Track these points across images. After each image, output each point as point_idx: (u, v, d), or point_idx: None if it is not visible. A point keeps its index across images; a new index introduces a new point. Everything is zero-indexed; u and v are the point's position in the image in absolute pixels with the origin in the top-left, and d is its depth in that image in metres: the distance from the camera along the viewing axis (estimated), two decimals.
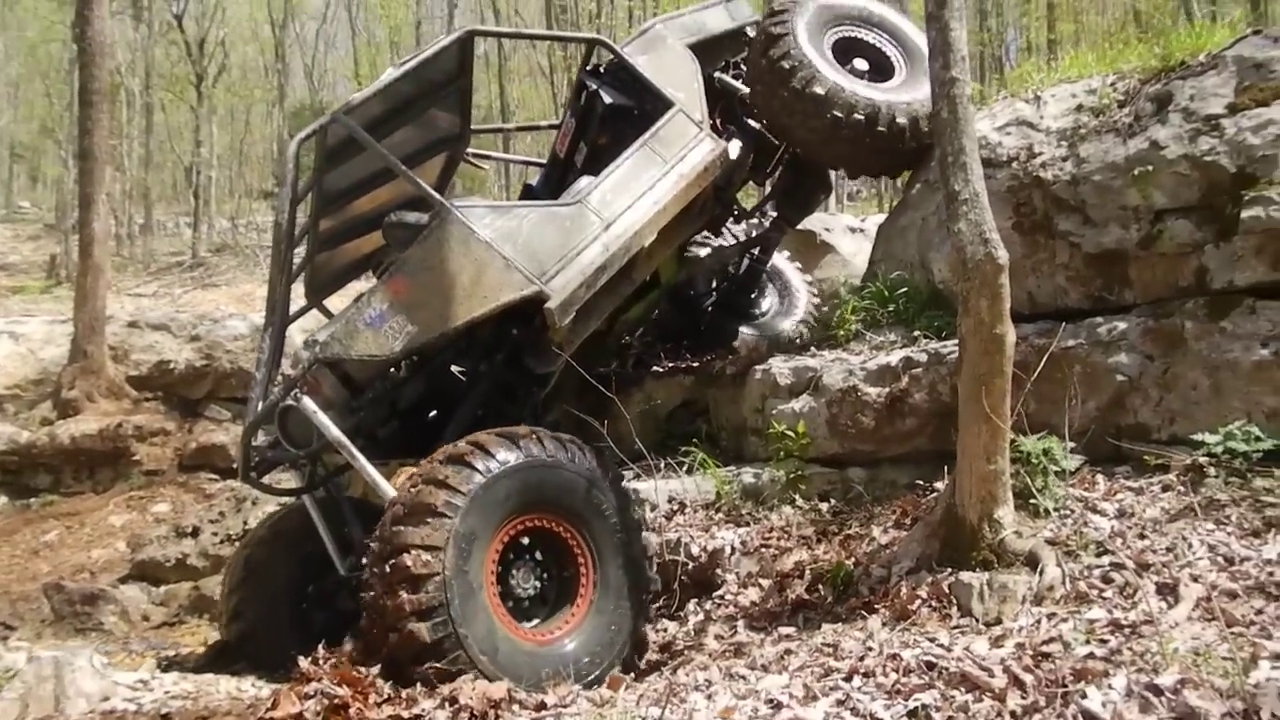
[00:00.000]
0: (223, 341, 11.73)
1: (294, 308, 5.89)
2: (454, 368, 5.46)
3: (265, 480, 5.34)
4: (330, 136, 5.10)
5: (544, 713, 3.27)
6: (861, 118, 5.52)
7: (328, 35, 34.40)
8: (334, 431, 4.48)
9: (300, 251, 5.80)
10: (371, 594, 3.84)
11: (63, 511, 10.16)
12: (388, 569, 3.75)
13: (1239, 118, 4.34)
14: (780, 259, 7.25)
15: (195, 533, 8.09)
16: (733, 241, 6.70)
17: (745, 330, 6.76)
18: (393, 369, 5.23)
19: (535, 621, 4.12)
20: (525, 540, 4.14)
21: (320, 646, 3.92)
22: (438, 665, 3.62)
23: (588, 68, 6.18)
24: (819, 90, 5.53)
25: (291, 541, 5.37)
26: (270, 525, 5.67)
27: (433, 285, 4.68)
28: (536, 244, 4.88)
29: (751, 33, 6.35)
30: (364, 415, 4.99)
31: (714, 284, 6.93)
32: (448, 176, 6.85)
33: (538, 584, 4.18)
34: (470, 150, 6.88)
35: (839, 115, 5.52)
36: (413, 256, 4.74)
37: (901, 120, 5.61)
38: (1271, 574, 3.10)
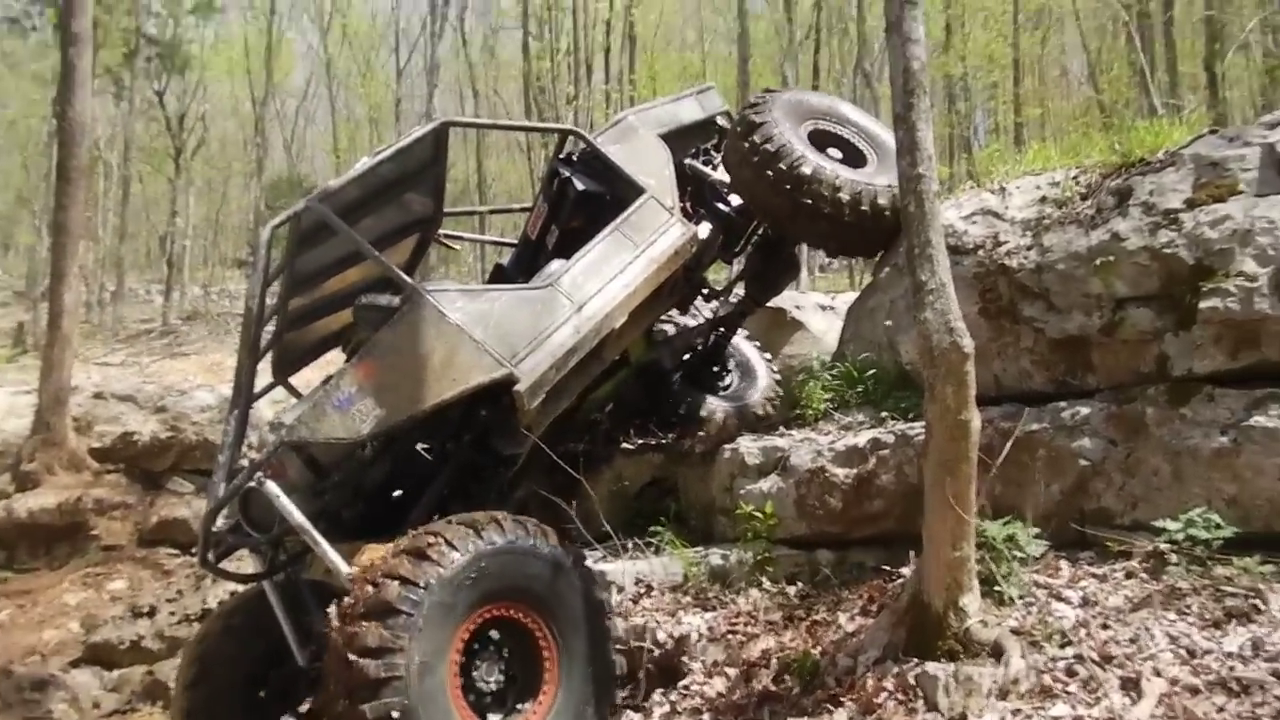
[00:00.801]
0: (189, 413, 11.60)
1: (261, 384, 5.87)
2: (419, 446, 5.42)
3: (225, 565, 5.23)
4: (304, 221, 5.12)
5: None
6: (846, 197, 5.70)
7: (307, 111, 34.91)
8: (297, 516, 4.38)
9: (270, 329, 5.78)
10: (330, 695, 3.72)
11: (15, 589, 9.88)
12: (347, 673, 3.63)
13: (1197, 212, 4.46)
14: (739, 338, 7.32)
15: (152, 613, 7.92)
16: (700, 320, 6.80)
17: (712, 400, 6.78)
18: (360, 450, 5.19)
19: (499, 717, 3.99)
20: (489, 632, 4.03)
21: None
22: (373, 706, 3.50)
23: (561, 155, 6.31)
24: (806, 170, 5.70)
25: (248, 631, 5.22)
26: (225, 615, 5.52)
27: (402, 368, 4.65)
28: (507, 327, 4.88)
29: (722, 122, 6.58)
30: (329, 498, 4.92)
31: (680, 361, 6.98)
32: (419, 256, 6.90)
33: (502, 677, 4.06)
34: (442, 231, 6.94)
35: (825, 194, 5.68)
36: (383, 339, 4.71)
37: (882, 201, 5.78)
38: (1232, 669, 3.10)
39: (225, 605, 5.77)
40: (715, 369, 7.05)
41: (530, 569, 4.08)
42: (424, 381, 4.66)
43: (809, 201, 5.69)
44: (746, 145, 5.89)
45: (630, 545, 5.34)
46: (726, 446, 5.68)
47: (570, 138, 6.36)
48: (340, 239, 5.11)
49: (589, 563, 4.40)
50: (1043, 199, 5.16)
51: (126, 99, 26.83)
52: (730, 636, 4.51)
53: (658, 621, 4.67)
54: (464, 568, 3.88)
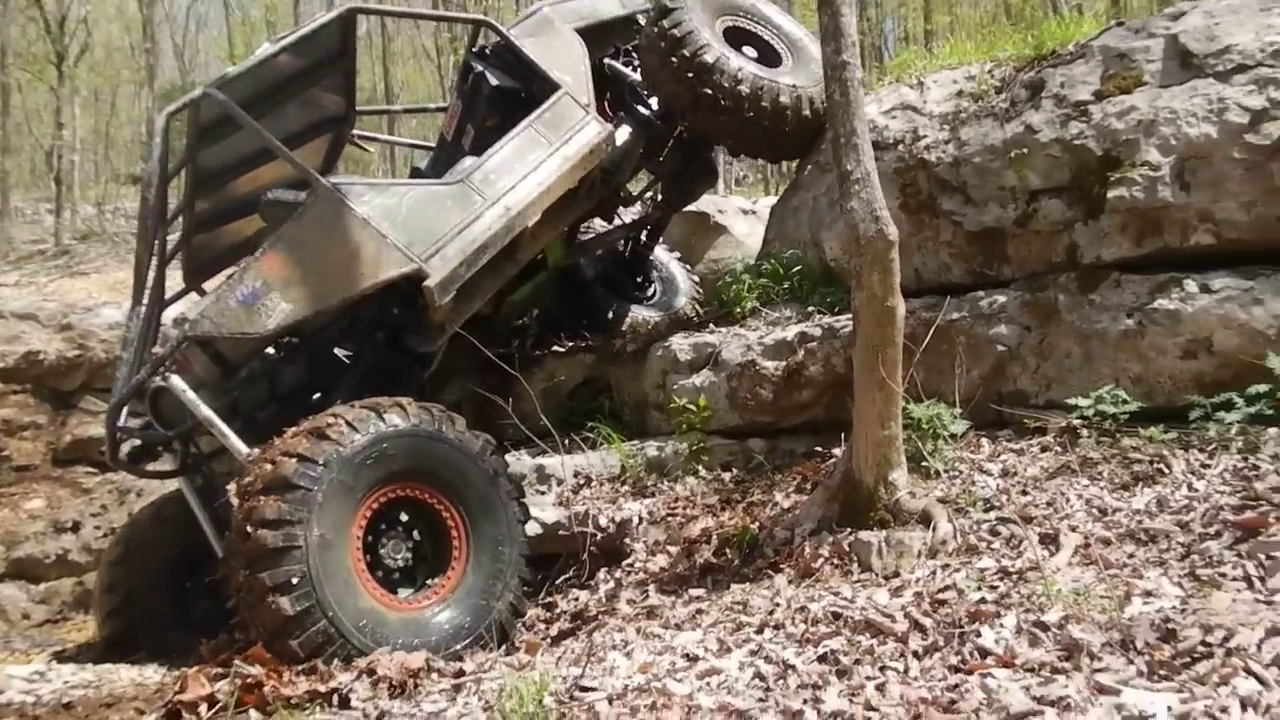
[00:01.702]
0: (96, 330, 11.22)
1: (173, 292, 5.75)
2: (338, 351, 5.40)
3: (141, 466, 5.21)
4: (203, 112, 4.98)
5: (463, 679, 3.31)
6: (747, 90, 5.71)
7: (199, 14, 33.24)
8: (203, 409, 4.41)
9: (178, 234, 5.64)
10: (232, 566, 3.84)
11: None
12: (246, 545, 3.74)
13: (1105, 104, 4.64)
14: (659, 248, 7.38)
15: (76, 528, 7.82)
16: (615, 225, 6.82)
17: (637, 310, 6.87)
18: (270, 348, 5.15)
19: (409, 591, 4.14)
20: (394, 511, 4.16)
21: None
22: (302, 637, 3.64)
23: (474, 49, 6.17)
24: (708, 58, 5.69)
25: (178, 522, 5.26)
26: (158, 503, 5.56)
27: (308, 262, 4.62)
28: (417, 222, 4.86)
29: (642, 20, 6.45)
30: (239, 395, 4.91)
31: (600, 268, 7.02)
32: (334, 158, 6.76)
33: (409, 554, 4.20)
34: (356, 133, 6.79)
35: (725, 85, 5.68)
36: (288, 232, 4.67)
37: (784, 99, 5.81)
38: (1140, 522, 3.37)
39: (162, 496, 5.78)
40: (639, 279, 7.11)
41: (434, 451, 4.19)
42: (331, 276, 4.65)
43: (708, 92, 5.69)
44: (655, 30, 5.88)
45: (567, 441, 5.45)
46: (658, 344, 5.80)
47: (484, 31, 6.21)
48: (245, 133, 4.98)
49: (495, 448, 4.48)
50: (960, 93, 5.30)
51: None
52: (670, 519, 4.69)
53: (599, 509, 4.84)
54: (363, 448, 3.98)
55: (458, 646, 3.88)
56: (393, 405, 4.18)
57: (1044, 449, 4.25)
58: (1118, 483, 3.76)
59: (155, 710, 3.53)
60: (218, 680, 3.51)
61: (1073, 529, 3.41)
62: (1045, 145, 4.74)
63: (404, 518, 4.20)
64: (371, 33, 26.73)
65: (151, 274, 5.07)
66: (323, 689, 3.35)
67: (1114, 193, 4.50)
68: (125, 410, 4.88)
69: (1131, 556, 3.13)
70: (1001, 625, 2.75)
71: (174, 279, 5.93)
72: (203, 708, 3.37)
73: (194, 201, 5.50)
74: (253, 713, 3.33)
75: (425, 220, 4.88)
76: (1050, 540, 3.36)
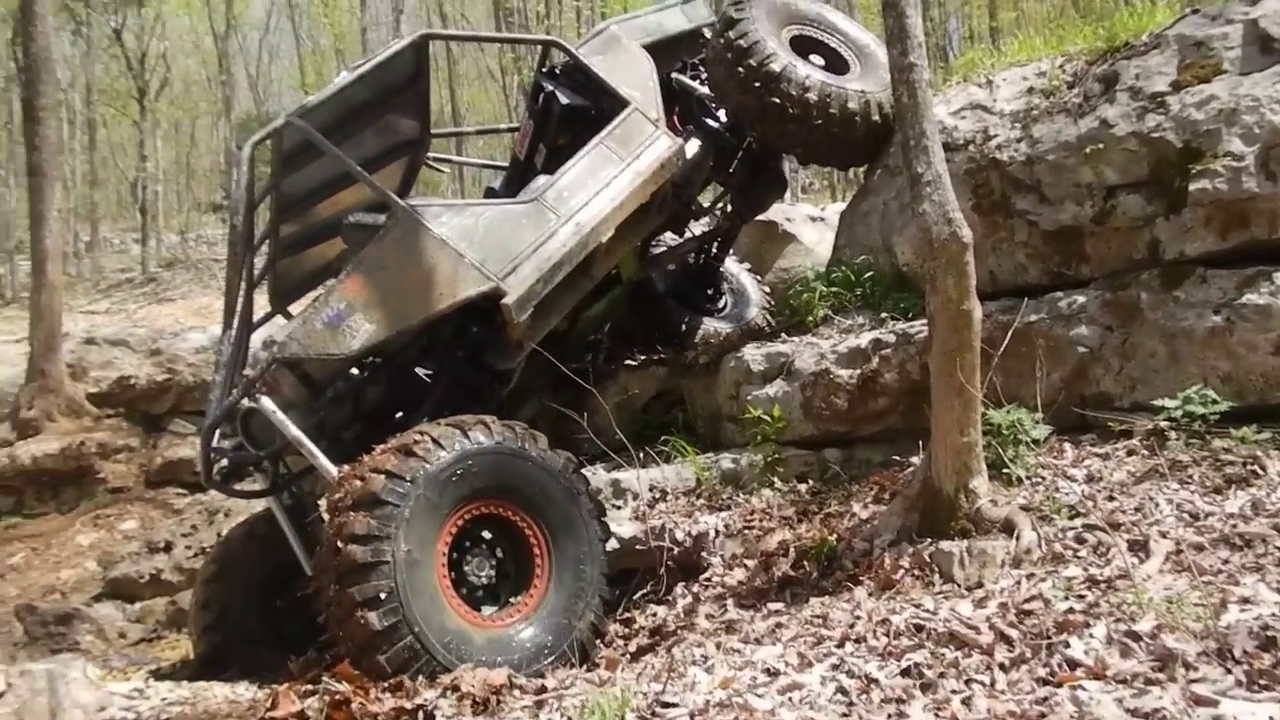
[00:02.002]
0: (183, 355, 11.64)
1: (260, 315, 5.91)
2: (419, 370, 5.50)
3: (232, 486, 5.36)
4: (286, 140, 5.10)
5: (545, 695, 3.33)
6: (815, 97, 5.68)
7: (271, 45, 34.14)
8: (292, 429, 4.50)
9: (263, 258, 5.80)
10: (322, 581, 3.89)
11: (27, 533, 10.02)
12: (336, 560, 3.80)
13: (1183, 94, 4.51)
14: (730, 260, 7.36)
15: (168, 548, 8.06)
16: (686, 238, 6.79)
17: (708, 322, 6.86)
18: (354, 369, 5.25)
19: (493, 608, 4.17)
20: (478, 528, 4.20)
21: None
22: (389, 653, 3.67)
23: (544, 69, 6.23)
24: (774, 67, 5.69)
25: (270, 540, 5.40)
26: (251, 521, 5.71)
27: (390, 283, 4.70)
28: (493, 241, 4.91)
29: (708, 34, 6.46)
30: (325, 415, 5.01)
31: (671, 281, 7.04)
32: (410, 181, 6.87)
33: (493, 571, 4.24)
34: (430, 155, 6.92)
35: (793, 93, 5.67)
36: (369, 255, 4.75)
37: (852, 105, 5.76)
38: (1235, 526, 3.26)
39: (254, 514, 5.92)
40: (710, 291, 7.10)
41: (517, 469, 4.22)
42: (412, 296, 4.72)
43: (776, 100, 5.68)
44: (722, 42, 5.89)
45: (642, 455, 5.46)
46: (731, 355, 5.79)
47: (553, 51, 6.27)
48: (325, 159, 5.10)
49: (578, 465, 4.51)
50: (1030, 90, 5.20)
51: (84, 37, 26.19)
52: (746, 532, 4.67)
53: (675, 522, 4.82)
54: (449, 465, 4.02)
55: (540, 665, 3.90)
56: (477, 423, 4.23)
57: (1130, 453, 4.13)
58: (1209, 486, 3.65)
59: None
60: (307, 697, 3.59)
61: (1163, 535, 3.31)
62: (1122, 139, 4.62)
63: (487, 535, 4.24)
64: (437, 56, 27.19)
65: (240, 299, 5.22)
66: (408, 706, 3.40)
67: (1196, 185, 4.38)
68: (217, 432, 5.03)
69: (1226, 562, 3.03)
70: (1091, 636, 2.68)
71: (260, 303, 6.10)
72: None
73: (279, 227, 5.66)
74: None
75: (501, 239, 4.94)
76: (1139, 547, 3.27)
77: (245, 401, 4.69)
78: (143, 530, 9.55)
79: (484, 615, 4.09)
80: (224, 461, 5.21)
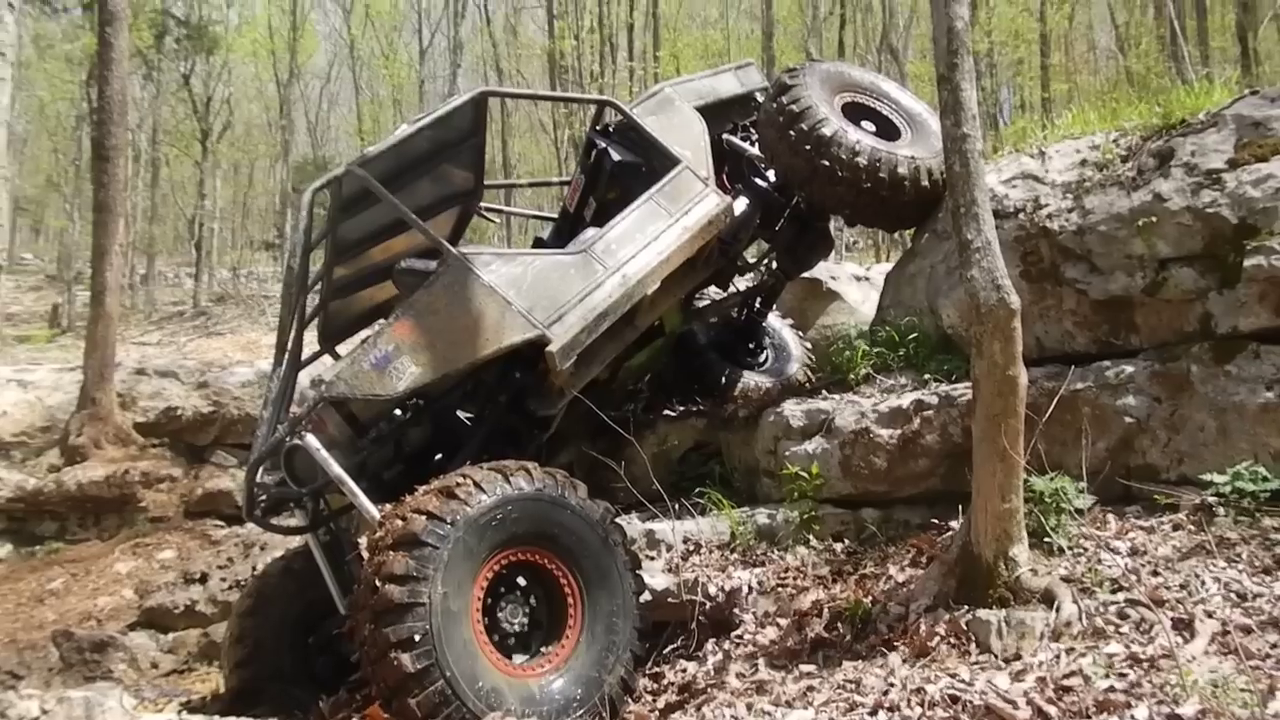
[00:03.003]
0: (230, 388, 11.80)
1: (307, 353, 6.02)
2: (461, 413, 5.54)
3: (272, 521, 5.41)
4: (345, 187, 5.22)
5: None
6: (864, 161, 5.74)
7: (331, 93, 35.05)
8: (335, 468, 4.54)
9: (315, 300, 5.92)
10: (358, 620, 3.88)
11: (68, 559, 10.14)
12: (373, 599, 3.80)
13: (1239, 172, 4.50)
14: (773, 316, 7.40)
15: (203, 579, 8.12)
16: (730, 293, 6.88)
17: (749, 376, 6.87)
18: (398, 410, 5.31)
19: (524, 657, 4.15)
20: (514, 575, 4.18)
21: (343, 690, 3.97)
22: (420, 696, 3.65)
23: (597, 127, 6.39)
24: (826, 131, 5.78)
25: (306, 576, 5.43)
26: (288, 557, 5.76)
27: (438, 328, 4.78)
28: (541, 289, 4.99)
29: (760, 98, 6.59)
30: (368, 455, 5.07)
31: (714, 334, 7.07)
32: (461, 229, 7.02)
33: (525, 619, 4.21)
34: (482, 205, 7.04)
35: (843, 157, 5.74)
36: (419, 300, 4.84)
37: (902, 170, 5.81)
38: None
39: (290, 550, 5.97)
40: (752, 345, 7.14)
41: (556, 517, 4.22)
42: (458, 341, 4.79)
43: (826, 163, 5.76)
44: (775, 106, 6.00)
45: (677, 506, 5.45)
46: (770, 410, 5.77)
47: (607, 109, 6.42)
48: (381, 206, 5.22)
49: (615, 516, 4.49)
50: (1083, 162, 5.20)
51: (154, 81, 27.09)
52: (780, 590, 4.62)
53: (708, 576, 4.78)
54: (489, 509, 4.03)
55: (573, 716, 3.87)
56: (519, 468, 4.25)
57: (1176, 527, 4.05)
58: (1258, 566, 3.56)
59: None
60: None
61: (1209, 614, 3.23)
62: (1175, 213, 4.60)
63: (522, 582, 4.23)
64: (492, 109, 27.75)
65: (290, 338, 5.32)
66: None
67: (1251, 261, 4.34)
68: (262, 469, 5.09)
69: (1275, 647, 2.95)
70: (1133, 717, 2.61)
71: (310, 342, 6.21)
72: None
73: (332, 269, 5.78)
74: None
75: (549, 288, 5.01)
76: (1184, 626, 3.19)
77: (290, 439, 4.75)
78: (180, 560, 9.62)
79: (515, 664, 4.07)
80: (265, 497, 5.27)
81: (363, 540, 4.75)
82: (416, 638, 3.71)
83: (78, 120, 25.57)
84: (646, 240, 5.34)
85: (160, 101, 27.91)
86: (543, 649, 4.18)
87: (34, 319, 23.62)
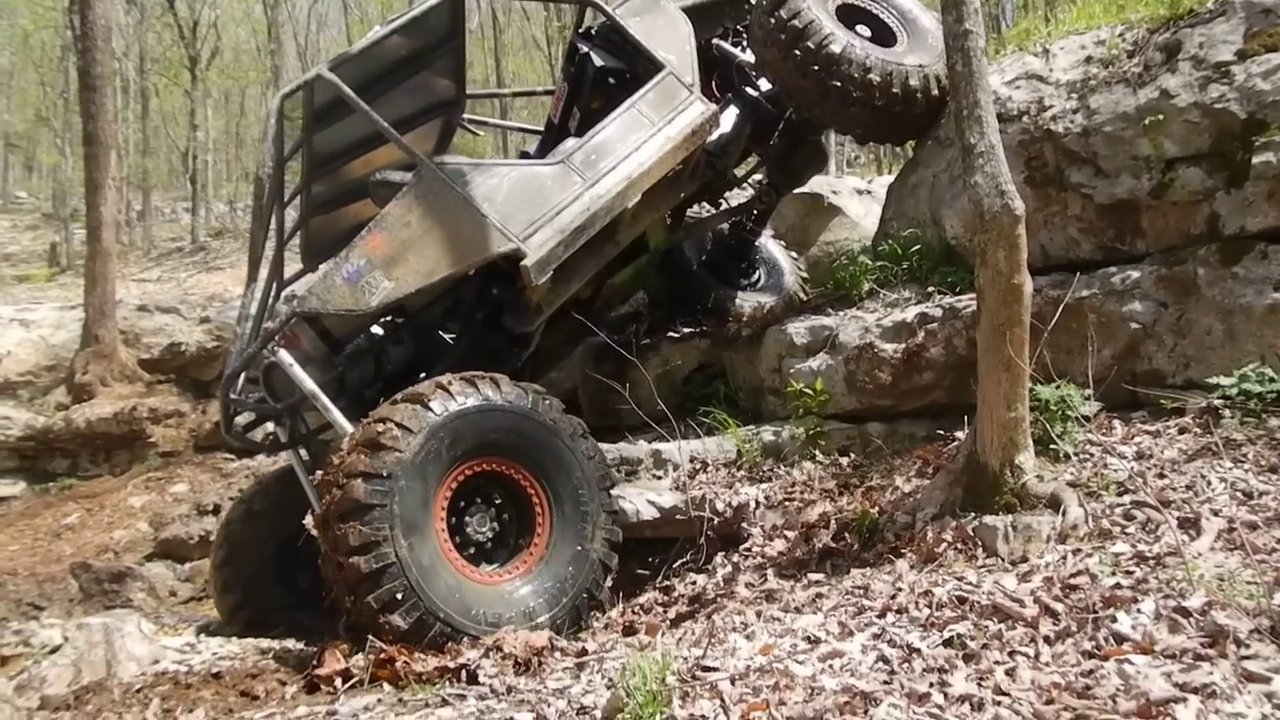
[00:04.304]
0: (232, 323, 11.72)
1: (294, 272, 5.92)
2: (442, 331, 5.47)
3: (250, 437, 5.46)
4: (317, 95, 5.07)
5: (586, 658, 3.37)
6: (877, 78, 5.49)
7: (320, 14, 34.33)
8: (308, 383, 4.53)
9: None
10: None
11: (82, 494, 10.28)
12: (335, 498, 3.83)
13: (1249, 64, 4.39)
14: (764, 235, 7.25)
15: (216, 510, 8.23)
16: (719, 209, 6.66)
17: (749, 295, 6.78)
18: (377, 326, 5.24)
19: (493, 566, 4.21)
20: (482, 484, 4.22)
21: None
22: (379, 595, 3.69)
23: (580, 31, 6.13)
24: (835, 49, 5.47)
25: (267, 514, 5.47)
26: (246, 500, 5.75)
27: (411, 241, 4.69)
28: (517, 202, 4.89)
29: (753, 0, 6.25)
30: (345, 371, 5.03)
31: (704, 252, 6.93)
32: (445, 142, 6.80)
33: (494, 528, 4.27)
34: (467, 117, 6.81)
35: (855, 75, 5.47)
36: (392, 213, 4.74)
37: (914, 82, 5.57)
38: None
39: (244, 492, 5.99)
40: (743, 264, 6.98)
41: (525, 429, 4.25)
42: (432, 255, 4.71)
43: (838, 84, 5.47)
44: (773, 21, 5.64)
45: (683, 427, 5.47)
46: (773, 328, 5.76)
47: (591, 11, 6.09)
48: (359, 116, 5.03)
49: (584, 431, 4.50)
50: (1088, 59, 5.07)
51: (138, 5, 26.53)
52: (787, 504, 4.66)
53: (715, 493, 4.83)
54: (457, 416, 4.06)
55: (536, 622, 3.95)
56: (487, 378, 4.27)
57: (1182, 431, 4.05)
58: (1264, 465, 3.57)
59: (296, 681, 3.71)
60: (353, 654, 3.66)
61: (1215, 513, 3.25)
62: (1183, 110, 4.51)
63: (489, 491, 4.29)
64: (483, 25, 27.14)
65: (269, 252, 5.22)
66: (451, 665, 3.46)
67: (1260, 158, 4.26)
68: (240, 384, 5.04)
69: None
70: (1139, 611, 2.65)
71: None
72: (338, 680, 3.53)
73: (311, 184, 5.63)
74: (385, 685, 3.46)
75: (525, 201, 4.90)
76: (1190, 525, 3.21)
77: (264, 355, 4.70)
78: (192, 493, 9.75)
79: (483, 571, 4.14)
80: (246, 413, 5.23)
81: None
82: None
83: (63, 50, 25.10)
84: (627, 151, 5.18)
85: (145, 28, 27.37)
86: (518, 544, 4.26)
87: (32, 258, 23.53)
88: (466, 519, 4.21)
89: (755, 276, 7.01)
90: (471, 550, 4.21)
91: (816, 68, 5.50)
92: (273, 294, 5.31)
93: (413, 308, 5.07)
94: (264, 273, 5.15)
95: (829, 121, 6.13)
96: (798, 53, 5.54)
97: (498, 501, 4.32)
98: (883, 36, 5.96)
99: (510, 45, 29.18)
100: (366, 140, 5.75)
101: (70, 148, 24.17)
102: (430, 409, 4.02)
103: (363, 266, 4.62)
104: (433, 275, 4.71)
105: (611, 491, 4.48)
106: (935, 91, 5.61)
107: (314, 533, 4.05)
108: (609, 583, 4.36)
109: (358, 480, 3.80)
